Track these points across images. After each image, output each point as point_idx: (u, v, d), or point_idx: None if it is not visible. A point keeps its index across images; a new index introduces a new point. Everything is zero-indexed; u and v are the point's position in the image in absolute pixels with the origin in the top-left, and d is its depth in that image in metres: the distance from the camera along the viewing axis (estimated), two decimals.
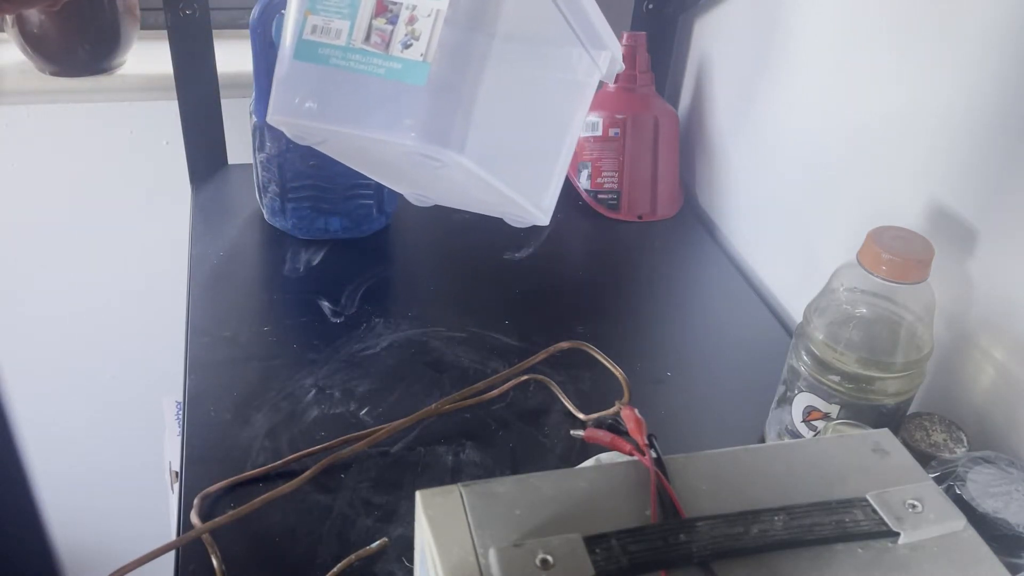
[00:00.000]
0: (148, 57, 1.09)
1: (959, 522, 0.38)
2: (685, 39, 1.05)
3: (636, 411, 0.63)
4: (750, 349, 0.79)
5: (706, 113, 1.00)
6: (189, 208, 0.95)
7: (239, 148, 1.02)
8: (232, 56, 1.03)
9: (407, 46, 0.46)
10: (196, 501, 0.58)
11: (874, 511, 0.37)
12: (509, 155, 0.53)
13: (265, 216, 0.91)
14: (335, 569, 0.54)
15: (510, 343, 0.77)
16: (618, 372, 0.72)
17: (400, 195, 0.92)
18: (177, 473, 0.68)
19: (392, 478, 0.62)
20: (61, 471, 1.36)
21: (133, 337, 1.27)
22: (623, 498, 0.38)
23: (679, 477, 0.39)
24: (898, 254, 0.55)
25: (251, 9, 0.76)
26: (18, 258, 1.17)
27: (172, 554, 0.56)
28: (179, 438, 0.67)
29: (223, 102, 0.98)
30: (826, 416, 0.60)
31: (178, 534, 0.57)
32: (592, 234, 0.95)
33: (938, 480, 0.50)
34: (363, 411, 0.68)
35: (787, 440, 0.64)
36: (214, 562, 0.54)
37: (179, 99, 0.96)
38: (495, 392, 0.70)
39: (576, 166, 0.99)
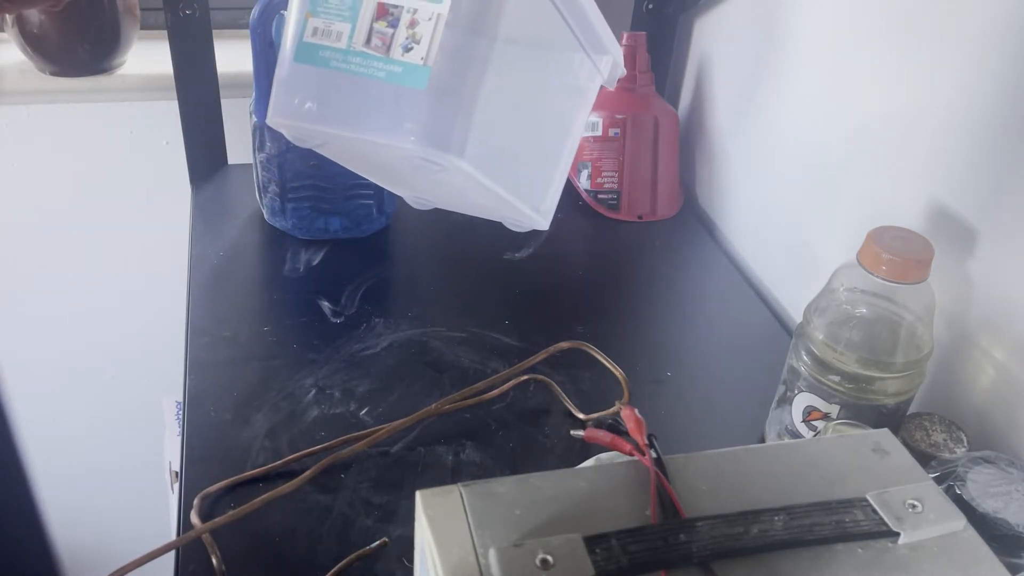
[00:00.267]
0: (148, 57, 1.09)
1: (959, 522, 0.38)
2: (685, 39, 1.05)
3: (636, 411, 0.63)
4: (750, 349, 0.79)
5: (706, 113, 1.00)
6: (189, 208, 0.95)
7: (239, 148, 1.02)
8: (232, 56, 1.03)
9: (408, 49, 0.46)
10: (196, 501, 0.58)
11: (874, 511, 0.37)
12: (509, 160, 0.53)
13: (265, 216, 0.91)
14: (335, 569, 0.54)
15: (510, 343, 0.77)
16: (618, 372, 0.72)
17: (400, 196, 0.92)
18: (177, 473, 0.68)
19: (392, 478, 0.62)
20: (61, 471, 1.36)
21: (133, 337, 1.27)
22: (623, 498, 0.38)
23: (679, 477, 0.39)
24: (898, 254, 0.55)
25: (251, 9, 0.76)
26: (18, 258, 1.17)
27: (172, 554, 0.56)
28: (179, 438, 0.67)
29: (223, 102, 0.98)
30: (826, 416, 0.60)
31: (178, 534, 0.57)
32: (592, 234, 0.95)
33: (938, 480, 0.50)
34: (363, 411, 0.68)
35: (787, 440, 0.64)
36: (214, 562, 0.54)
37: (179, 99, 0.96)
38: (495, 392, 0.70)
39: (576, 166, 0.99)
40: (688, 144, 1.05)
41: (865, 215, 0.72)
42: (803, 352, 0.61)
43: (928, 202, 0.65)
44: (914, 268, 0.55)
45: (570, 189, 0.99)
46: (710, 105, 1.00)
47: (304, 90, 0.49)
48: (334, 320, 0.78)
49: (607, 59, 0.57)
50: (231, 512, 0.57)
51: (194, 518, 0.57)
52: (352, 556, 0.55)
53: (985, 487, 0.49)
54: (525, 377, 0.72)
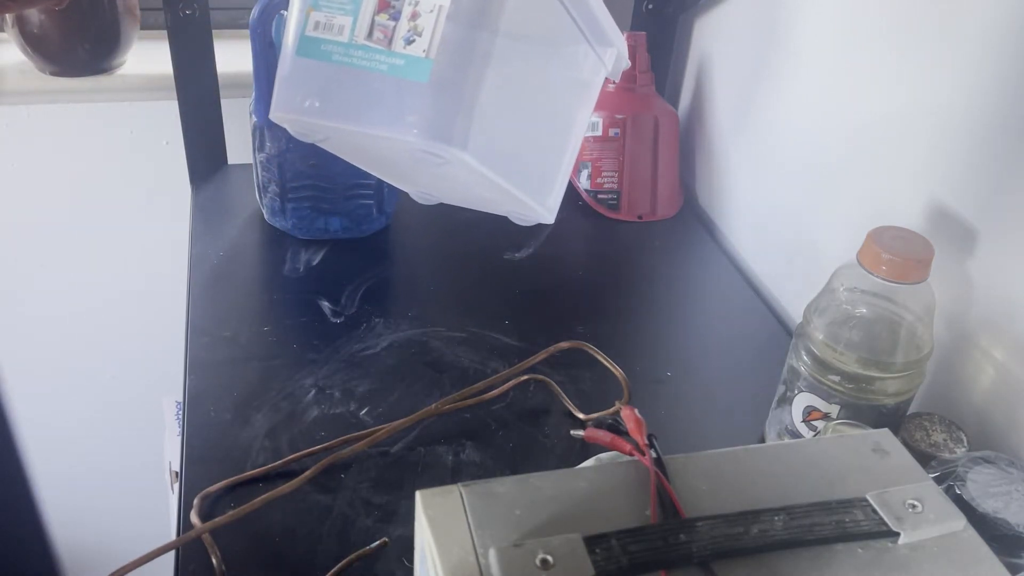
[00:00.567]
0: (148, 57, 1.09)
1: (959, 522, 0.38)
2: (685, 39, 1.05)
3: (636, 411, 0.62)
4: (750, 349, 0.79)
5: (706, 113, 1.00)
6: (189, 208, 0.95)
7: (239, 148, 1.02)
8: (232, 56, 1.03)
9: (409, 42, 0.46)
10: (196, 501, 0.58)
11: (874, 511, 0.37)
12: (513, 152, 0.53)
13: (265, 216, 0.91)
14: (335, 569, 0.54)
15: (510, 343, 0.77)
16: (618, 372, 0.72)
17: (400, 195, 0.92)
18: (177, 473, 0.68)
19: (392, 478, 0.62)
20: (61, 471, 1.36)
21: (133, 337, 1.27)
22: (623, 498, 0.38)
23: (679, 477, 0.39)
24: (898, 254, 0.55)
25: (251, 9, 0.76)
26: (18, 258, 1.17)
27: (172, 554, 0.56)
28: (179, 438, 0.67)
29: (223, 102, 0.98)
30: (826, 416, 0.60)
31: (178, 534, 0.57)
32: (592, 234, 0.95)
33: (938, 480, 0.50)
34: (363, 411, 0.68)
35: (787, 440, 0.64)
36: (214, 562, 0.54)
37: (179, 99, 0.96)
38: (495, 392, 0.70)
39: (576, 166, 0.99)
40: (688, 144, 1.05)
41: (865, 215, 0.72)
42: (803, 352, 0.61)
43: (928, 202, 0.65)
44: (914, 268, 0.55)
45: (570, 189, 0.99)
46: (710, 105, 1.00)
47: (306, 84, 0.49)
48: (334, 320, 0.78)
49: (611, 51, 0.57)
50: (231, 512, 0.57)
51: (194, 518, 0.57)
52: (352, 556, 0.55)
53: (985, 487, 0.49)
54: (525, 377, 0.72)
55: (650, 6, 1.03)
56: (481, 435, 0.67)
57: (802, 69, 0.81)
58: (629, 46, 0.96)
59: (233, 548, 0.56)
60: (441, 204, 0.64)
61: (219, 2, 1.15)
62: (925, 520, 0.37)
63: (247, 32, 0.77)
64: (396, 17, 0.47)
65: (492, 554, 0.34)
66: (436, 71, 0.46)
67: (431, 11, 0.46)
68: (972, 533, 0.38)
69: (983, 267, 0.60)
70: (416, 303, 0.81)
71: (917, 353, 0.57)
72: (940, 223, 0.64)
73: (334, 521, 0.58)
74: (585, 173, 0.98)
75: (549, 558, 0.34)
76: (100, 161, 1.13)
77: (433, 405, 0.68)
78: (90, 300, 1.22)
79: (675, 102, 1.09)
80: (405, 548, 0.57)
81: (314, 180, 0.86)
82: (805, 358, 0.61)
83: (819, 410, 0.60)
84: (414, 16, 0.46)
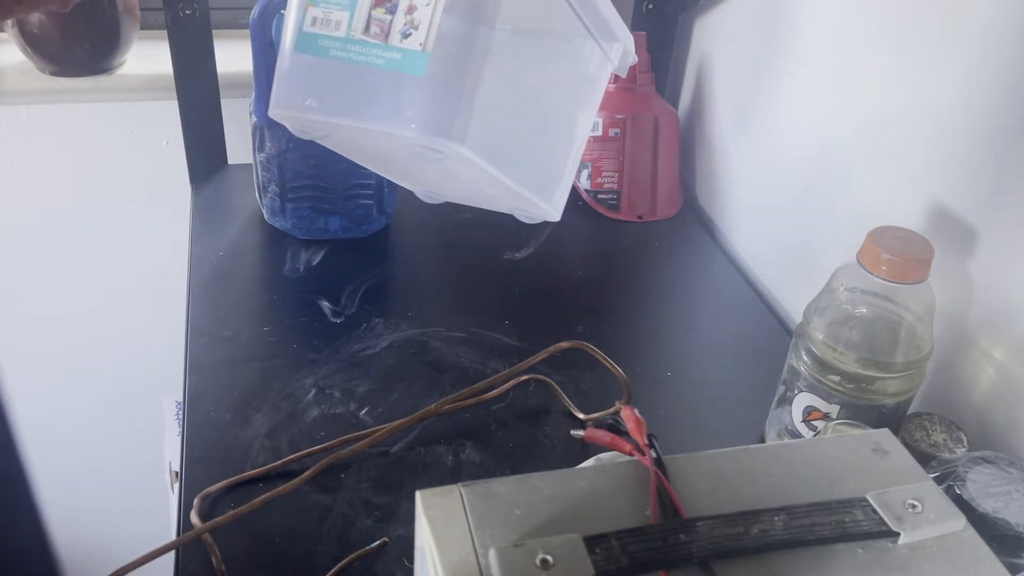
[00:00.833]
0: (148, 57, 1.09)
1: (959, 522, 0.38)
2: (685, 39, 1.05)
3: (636, 411, 0.62)
4: (750, 349, 0.79)
5: (706, 113, 1.00)
6: (189, 208, 0.95)
7: (239, 148, 1.02)
8: (232, 56, 1.03)
9: (406, 36, 0.46)
10: (196, 501, 0.58)
11: (874, 511, 0.37)
12: (515, 148, 0.53)
13: (265, 216, 0.91)
14: (335, 569, 0.54)
15: (510, 343, 0.77)
16: (618, 372, 0.72)
17: (400, 195, 0.92)
18: (177, 473, 0.68)
19: (392, 478, 0.62)
20: (61, 471, 1.36)
21: (133, 337, 1.27)
22: (623, 498, 0.38)
23: (679, 477, 0.39)
24: (898, 254, 0.55)
25: (251, 9, 0.76)
26: (18, 258, 1.17)
27: (172, 554, 0.56)
28: (179, 438, 0.67)
29: (223, 102, 0.98)
30: (826, 416, 0.60)
31: (178, 534, 0.57)
32: (592, 234, 0.95)
33: (938, 480, 0.50)
34: (363, 411, 0.68)
35: (787, 440, 0.64)
36: (214, 562, 0.54)
37: (179, 99, 0.96)
38: (495, 392, 0.70)
39: None
40: (688, 144, 1.05)
41: (865, 215, 0.72)
42: (803, 352, 0.61)
43: (928, 202, 0.65)
44: (914, 268, 0.55)
45: (570, 189, 0.99)
46: (710, 105, 1.00)
47: (305, 81, 0.49)
48: (334, 320, 0.78)
49: (617, 46, 0.57)
50: (231, 512, 0.57)
51: (194, 518, 0.57)
52: (352, 556, 0.55)
53: (985, 487, 0.49)
54: (525, 377, 0.72)
55: (650, 6, 1.03)
56: (481, 435, 0.67)
57: (802, 69, 0.81)
58: None
59: (233, 548, 0.56)
60: (442, 204, 0.64)
61: (219, 2, 1.15)
62: (925, 520, 0.37)
63: (247, 32, 0.77)
64: (393, 11, 0.47)
65: (492, 554, 0.34)
66: (433, 65, 0.45)
67: (427, 4, 0.45)
68: (972, 533, 0.38)
69: (983, 267, 0.60)
70: (416, 303, 0.81)
71: (917, 353, 0.57)
72: (940, 223, 0.64)
73: (334, 521, 0.58)
74: (585, 173, 0.98)
75: (549, 558, 0.34)
76: (100, 161, 1.12)
77: (433, 405, 0.68)
78: (90, 300, 1.22)
79: (675, 102, 1.09)
80: (405, 548, 0.57)
81: (314, 180, 0.86)
82: (805, 358, 0.61)
83: (819, 410, 0.60)
84: (410, 10, 0.46)
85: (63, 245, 1.18)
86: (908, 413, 0.60)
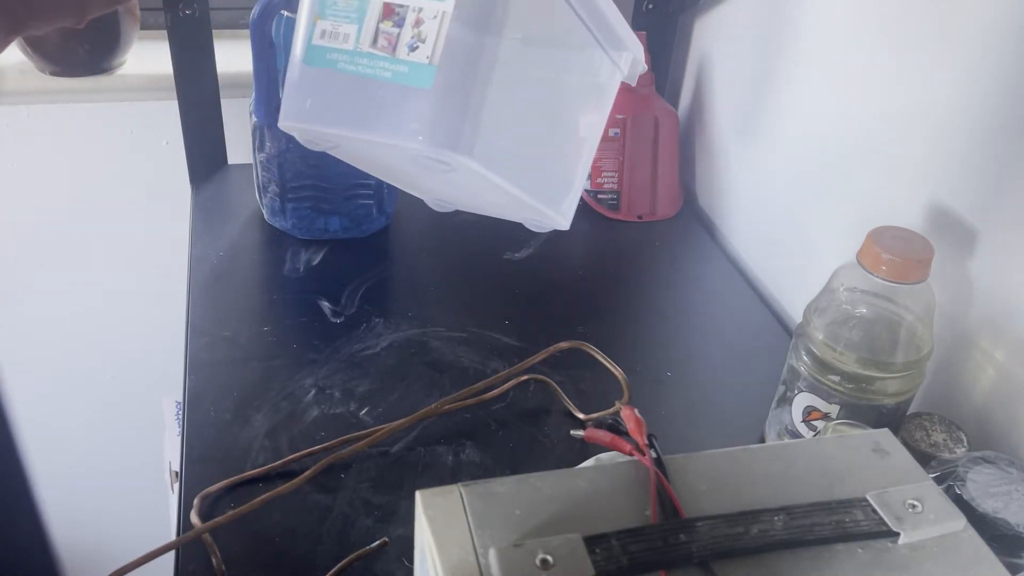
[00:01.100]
0: (148, 57, 1.09)
1: (959, 522, 0.38)
2: (685, 39, 1.05)
3: (636, 411, 0.63)
4: (750, 349, 0.79)
5: (706, 113, 1.00)
6: (189, 208, 0.95)
7: (239, 148, 1.02)
8: (232, 56, 1.03)
9: (413, 49, 0.46)
10: (196, 501, 0.58)
11: (874, 511, 0.37)
12: (523, 157, 0.53)
13: (265, 216, 0.91)
14: (335, 569, 0.54)
15: (510, 343, 0.77)
16: (618, 372, 0.72)
17: (400, 195, 0.92)
18: (177, 473, 0.68)
19: (392, 478, 0.62)
20: (61, 471, 1.36)
21: (133, 337, 1.27)
22: (623, 498, 0.38)
23: (679, 477, 0.39)
24: (898, 254, 0.55)
25: (251, 9, 0.76)
26: (18, 258, 1.17)
27: (172, 554, 0.56)
28: (179, 438, 0.67)
29: (223, 102, 0.98)
30: (826, 416, 0.60)
31: (178, 534, 0.57)
32: (592, 234, 0.95)
33: (938, 480, 0.50)
34: (363, 411, 0.68)
35: (787, 440, 0.64)
36: (214, 562, 0.54)
37: (179, 99, 0.96)
38: (495, 392, 0.70)
39: None
40: (688, 144, 1.05)
41: (865, 215, 0.72)
42: (803, 352, 0.61)
43: (928, 202, 0.65)
44: (914, 268, 0.55)
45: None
46: (710, 105, 1.00)
47: (314, 93, 0.49)
48: (334, 320, 0.78)
49: (627, 55, 0.57)
50: (231, 512, 0.57)
51: (194, 518, 0.57)
52: (352, 556, 0.55)
53: (985, 487, 0.49)
54: (525, 377, 0.72)
55: (650, 6, 1.03)
56: (481, 435, 0.67)
57: (802, 69, 0.81)
58: None
59: (233, 548, 0.56)
60: (460, 210, 0.64)
61: (219, 2, 1.15)
62: (925, 520, 0.37)
63: (247, 32, 0.76)
64: (400, 24, 0.47)
65: (492, 554, 0.34)
66: (440, 77, 0.46)
67: (435, 17, 0.46)
68: (972, 533, 0.38)
69: (983, 267, 0.60)
70: (416, 303, 0.81)
71: (917, 353, 0.57)
72: (940, 223, 0.64)
73: (334, 521, 0.58)
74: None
75: (549, 558, 0.34)
76: (100, 161, 1.12)
77: (433, 405, 0.68)
78: (90, 300, 1.22)
79: (675, 102, 1.09)
80: (405, 548, 0.57)
81: (314, 180, 0.86)
82: (805, 358, 0.61)
83: (819, 410, 0.60)
84: (418, 23, 0.46)
85: (63, 245, 1.18)
86: (908, 413, 0.60)
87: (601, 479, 0.39)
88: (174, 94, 0.96)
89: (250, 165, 0.92)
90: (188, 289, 0.81)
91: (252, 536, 0.57)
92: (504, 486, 0.38)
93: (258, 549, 0.56)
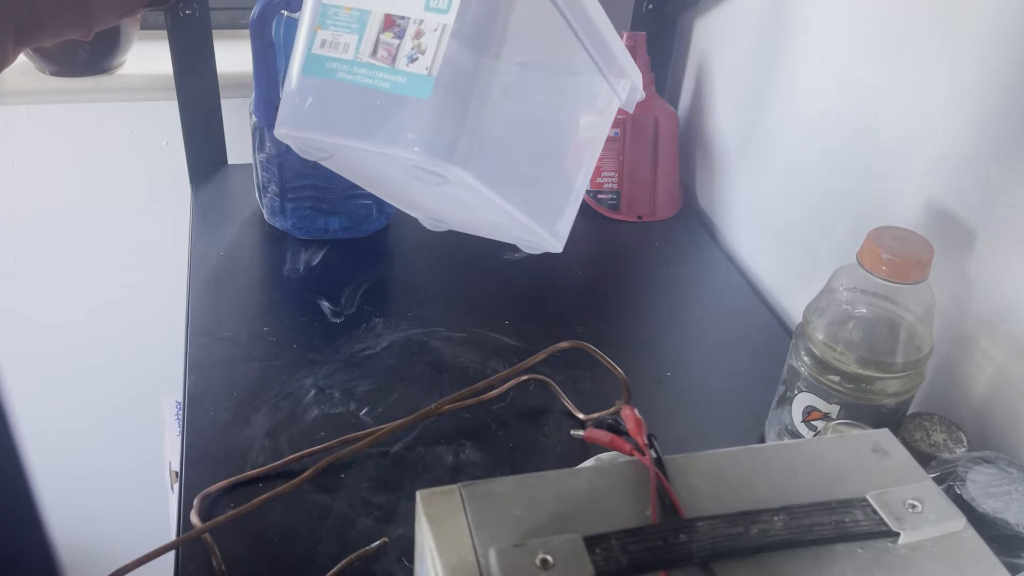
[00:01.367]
0: (148, 57, 1.09)
1: (959, 522, 0.38)
2: (685, 39, 1.05)
3: (636, 411, 0.62)
4: (750, 349, 0.79)
5: (706, 113, 1.01)
6: (189, 208, 0.95)
7: (239, 148, 1.02)
8: (232, 56, 1.03)
9: (413, 60, 0.46)
10: (196, 501, 0.58)
11: (874, 511, 0.37)
12: (519, 177, 0.53)
13: (265, 216, 0.91)
14: (335, 569, 0.54)
15: (510, 343, 0.77)
16: (618, 372, 0.72)
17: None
18: (177, 473, 0.68)
19: (392, 478, 0.62)
20: (61, 471, 1.36)
21: (133, 337, 1.27)
22: (623, 498, 0.38)
23: (679, 477, 0.39)
24: (898, 254, 0.55)
25: (251, 9, 0.76)
26: (18, 258, 1.17)
27: (172, 554, 0.56)
28: (179, 438, 0.67)
29: (223, 102, 0.98)
30: (826, 416, 0.60)
31: (178, 534, 0.57)
32: (592, 234, 0.95)
33: (938, 480, 0.50)
34: (363, 411, 0.68)
35: (787, 440, 0.64)
36: (214, 562, 0.54)
37: (179, 99, 0.96)
38: (495, 392, 0.70)
39: None
40: (688, 144, 1.05)
41: (865, 215, 0.72)
42: (803, 352, 0.61)
43: (928, 202, 0.65)
44: (914, 268, 0.55)
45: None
46: (710, 105, 1.00)
47: (312, 102, 0.49)
48: (334, 320, 0.78)
49: (625, 82, 0.57)
50: (231, 512, 0.57)
51: (194, 518, 0.57)
52: (352, 556, 0.55)
53: (985, 487, 0.49)
54: (525, 377, 0.72)
55: (650, 6, 1.03)
56: (481, 435, 0.67)
57: (802, 69, 0.81)
58: (629, 46, 0.96)
59: (233, 548, 0.56)
60: (454, 230, 0.64)
61: (219, 2, 1.15)
62: (925, 520, 0.37)
63: (247, 32, 0.76)
64: (401, 35, 0.47)
65: (492, 554, 0.34)
66: (438, 89, 0.46)
67: (435, 30, 0.46)
68: (972, 533, 0.38)
69: (983, 267, 0.60)
70: (416, 303, 0.81)
71: (917, 353, 0.57)
72: (940, 223, 0.64)
73: (334, 521, 0.58)
74: None
75: (549, 558, 0.34)
76: (100, 161, 1.13)
77: (433, 405, 0.68)
78: (90, 300, 1.22)
79: (675, 102, 1.09)
80: (405, 548, 0.57)
81: (314, 180, 0.86)
82: (805, 358, 0.61)
83: (819, 410, 0.60)
84: (418, 35, 0.46)
85: (63, 245, 1.18)
86: (908, 413, 0.60)
87: (601, 479, 0.39)
88: (174, 94, 0.96)
89: (250, 165, 0.92)
90: (188, 289, 0.81)
91: (252, 536, 0.57)
92: (504, 486, 0.38)
93: (258, 549, 0.56)
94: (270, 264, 0.85)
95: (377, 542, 0.56)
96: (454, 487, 0.37)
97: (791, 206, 0.84)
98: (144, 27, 1.13)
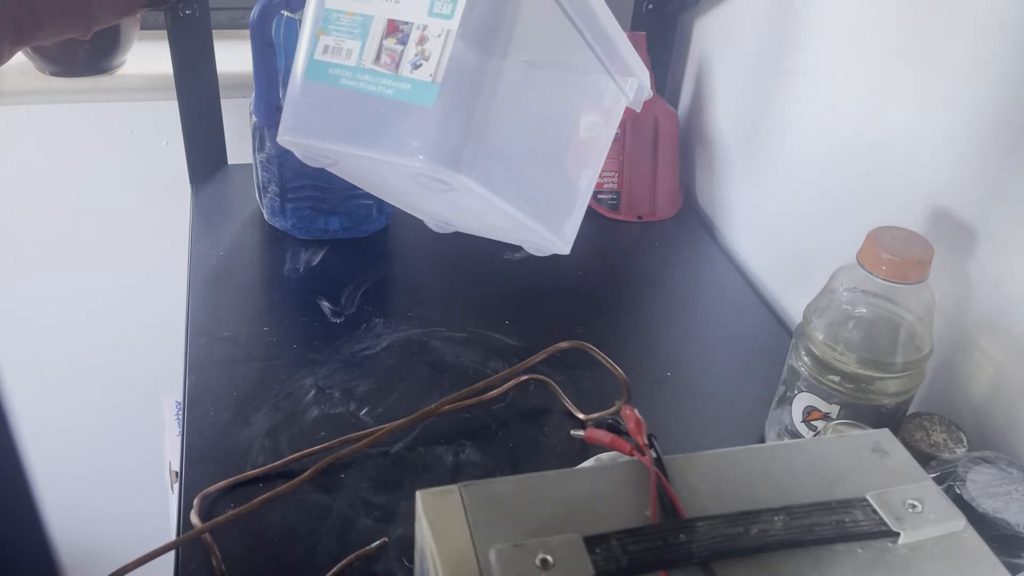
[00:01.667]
0: (148, 57, 1.09)
1: (959, 522, 0.38)
2: (685, 39, 1.05)
3: (636, 411, 0.62)
4: (750, 349, 0.79)
5: (706, 113, 1.01)
6: (189, 208, 0.95)
7: (239, 148, 1.02)
8: (232, 56, 1.03)
9: (416, 66, 0.46)
10: (196, 501, 0.58)
11: (874, 511, 0.37)
12: (525, 180, 0.52)
13: (265, 216, 0.91)
14: (335, 569, 0.54)
15: (510, 343, 0.77)
16: (618, 372, 0.72)
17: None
18: (177, 473, 0.68)
19: (392, 478, 0.62)
20: (61, 471, 1.36)
21: (133, 337, 1.27)
22: (623, 498, 0.38)
23: (679, 477, 0.39)
24: (898, 254, 0.55)
25: (251, 9, 0.76)
26: (18, 258, 1.17)
27: (172, 554, 0.56)
28: (179, 438, 0.67)
29: (223, 102, 0.98)
30: (826, 416, 0.60)
31: (178, 534, 0.57)
32: (592, 234, 0.95)
33: (938, 480, 0.50)
34: (363, 411, 0.68)
35: (787, 440, 0.64)
36: (214, 562, 0.54)
37: (179, 99, 0.96)
38: (495, 392, 0.70)
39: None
40: (688, 144, 1.05)
41: (865, 215, 0.72)
42: (803, 352, 0.61)
43: (928, 202, 0.65)
44: (914, 268, 0.55)
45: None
46: (710, 105, 1.00)
47: (314, 108, 0.49)
48: (334, 320, 0.78)
49: (632, 81, 0.56)
50: (231, 512, 0.57)
51: (194, 518, 0.57)
52: (352, 556, 0.55)
53: (985, 487, 0.49)
54: (525, 377, 0.72)
55: (650, 6, 1.03)
56: (481, 435, 0.67)
57: (802, 69, 0.81)
58: None
59: (233, 548, 0.56)
60: (460, 232, 0.64)
61: (219, 2, 1.15)
62: (925, 520, 0.37)
63: (247, 32, 0.77)
64: (404, 41, 0.46)
65: (492, 554, 0.34)
66: (442, 96, 0.45)
67: (439, 35, 0.45)
68: (972, 533, 0.38)
69: (983, 267, 0.60)
70: (416, 303, 0.81)
71: (917, 353, 0.57)
72: (940, 223, 0.64)
73: (334, 521, 0.58)
74: None
75: (549, 558, 0.34)
76: (100, 161, 1.13)
77: (433, 405, 0.68)
78: (90, 300, 1.22)
79: (675, 102, 1.09)
80: (405, 548, 0.57)
81: (314, 180, 0.86)
82: (805, 358, 0.61)
83: (819, 410, 0.60)
84: (422, 40, 0.46)
85: (63, 245, 1.18)
86: (908, 413, 0.60)
87: (601, 479, 0.39)
88: (174, 94, 0.96)
89: (250, 165, 0.92)
90: (188, 289, 0.81)
91: (252, 536, 0.57)
92: (504, 486, 0.38)
93: (258, 549, 0.56)
94: (270, 264, 0.85)
95: (377, 542, 0.56)
96: (454, 487, 0.37)
97: (791, 206, 0.84)
98: (144, 27, 1.13)
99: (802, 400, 0.61)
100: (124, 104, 1.09)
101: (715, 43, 0.98)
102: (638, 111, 0.59)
